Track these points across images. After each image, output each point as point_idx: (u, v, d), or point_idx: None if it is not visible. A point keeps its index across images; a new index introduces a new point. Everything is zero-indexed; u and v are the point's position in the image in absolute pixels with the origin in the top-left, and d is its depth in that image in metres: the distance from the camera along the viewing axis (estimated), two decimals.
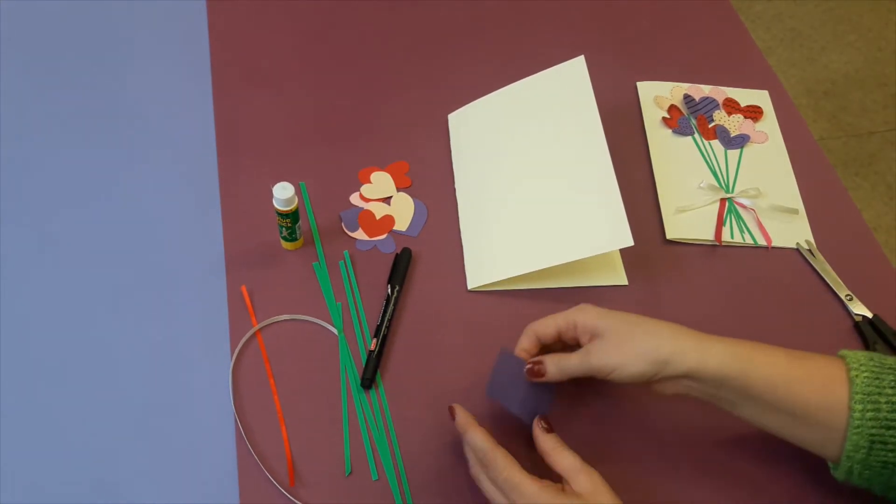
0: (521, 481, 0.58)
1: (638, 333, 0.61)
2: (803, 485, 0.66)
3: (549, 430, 0.61)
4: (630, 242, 0.71)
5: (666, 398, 0.63)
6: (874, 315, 0.77)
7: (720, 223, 0.83)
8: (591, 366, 0.61)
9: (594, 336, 0.62)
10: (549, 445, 0.60)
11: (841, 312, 0.79)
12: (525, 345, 0.66)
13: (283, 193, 0.71)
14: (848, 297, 0.78)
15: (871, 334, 0.76)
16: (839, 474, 0.60)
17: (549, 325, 0.65)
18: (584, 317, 0.63)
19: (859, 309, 0.78)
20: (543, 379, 0.63)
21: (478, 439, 0.60)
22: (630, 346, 0.60)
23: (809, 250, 0.82)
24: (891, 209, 1.82)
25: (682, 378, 0.60)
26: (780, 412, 0.59)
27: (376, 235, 0.80)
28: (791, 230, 0.84)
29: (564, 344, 0.66)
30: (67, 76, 0.92)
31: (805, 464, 0.65)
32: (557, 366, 0.62)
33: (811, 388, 0.58)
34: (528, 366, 0.64)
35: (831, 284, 0.79)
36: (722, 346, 0.60)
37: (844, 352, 0.60)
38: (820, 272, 0.80)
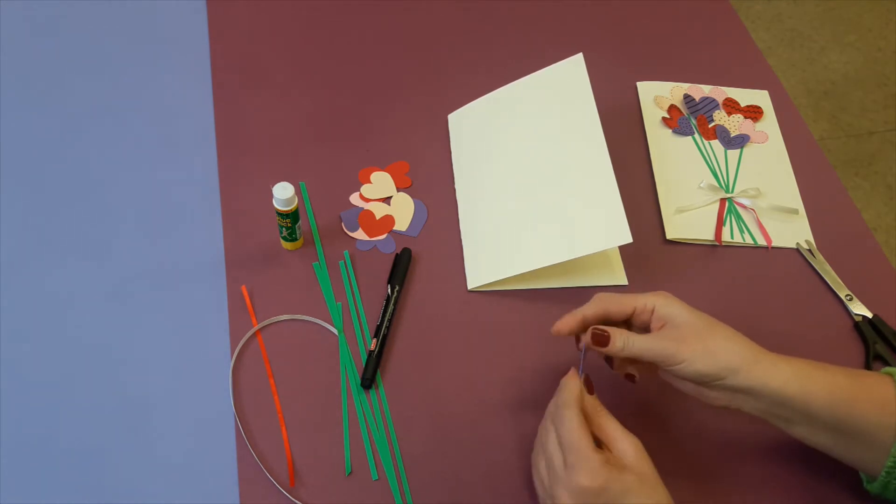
0: (584, 446, 0.55)
1: (715, 334, 0.59)
2: (830, 493, 0.66)
3: (590, 390, 0.60)
4: (629, 239, 0.71)
5: (712, 408, 0.61)
6: (874, 315, 0.77)
7: (720, 223, 0.83)
8: (663, 350, 0.59)
9: (668, 325, 0.61)
10: (592, 408, 0.58)
11: (841, 312, 0.79)
12: (589, 312, 0.63)
13: (283, 193, 0.71)
14: (848, 297, 0.78)
15: (871, 334, 0.76)
16: (874, 488, 0.60)
17: (625, 303, 0.62)
18: (664, 302, 0.61)
19: (859, 309, 0.78)
20: (605, 350, 0.61)
21: (566, 390, 0.58)
22: (705, 344, 0.59)
23: (809, 250, 0.82)
24: (891, 209, 1.82)
25: (740, 392, 0.59)
26: (837, 431, 0.59)
27: (376, 235, 0.80)
28: (791, 230, 0.84)
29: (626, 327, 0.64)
30: (66, 76, 0.92)
31: (834, 473, 0.66)
32: (625, 341, 0.60)
33: (871, 407, 0.57)
34: (593, 332, 0.61)
35: (831, 284, 0.79)
36: (785, 364, 0.59)
37: (890, 369, 0.60)
38: (820, 272, 0.80)
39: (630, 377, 0.64)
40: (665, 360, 0.59)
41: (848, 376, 0.59)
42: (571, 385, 0.59)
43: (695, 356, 0.58)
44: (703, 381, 0.59)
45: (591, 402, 0.59)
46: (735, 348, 0.59)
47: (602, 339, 0.61)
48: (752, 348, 0.59)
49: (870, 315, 0.77)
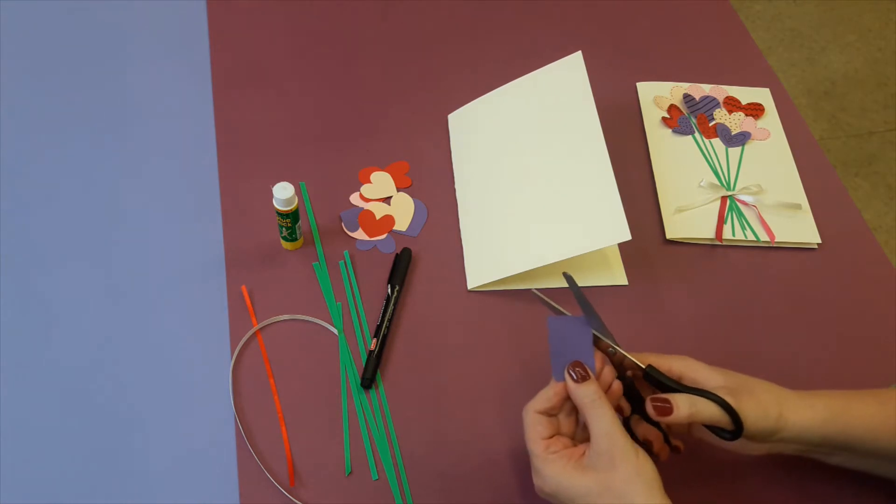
0: (533, 449, 0.55)
1: (754, 387, 0.57)
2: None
3: (583, 378, 0.55)
4: (627, 237, 0.71)
5: (754, 458, 0.61)
6: None
7: (721, 221, 0.83)
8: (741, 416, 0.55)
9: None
10: (580, 399, 0.55)
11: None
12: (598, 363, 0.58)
13: (283, 193, 0.71)
14: None
15: None
16: None
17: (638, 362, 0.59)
18: (691, 366, 0.58)
19: None
20: (668, 419, 0.55)
21: (529, 404, 0.57)
22: (757, 398, 0.56)
23: None
24: (891, 209, 1.81)
25: (782, 441, 0.58)
26: (880, 458, 0.58)
27: (376, 235, 0.80)
28: (795, 226, 0.84)
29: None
30: (68, 76, 0.92)
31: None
32: (692, 408, 0.55)
33: None
34: (653, 403, 0.56)
35: None
36: (820, 404, 0.57)
37: None
38: None
39: (676, 449, 0.60)
40: (728, 424, 0.55)
41: (878, 400, 0.58)
42: (545, 390, 0.57)
43: (753, 414, 0.55)
44: (757, 438, 0.57)
45: (584, 393, 0.55)
46: (773, 398, 0.57)
47: (665, 410, 0.55)
48: (784, 393, 0.58)
49: None
